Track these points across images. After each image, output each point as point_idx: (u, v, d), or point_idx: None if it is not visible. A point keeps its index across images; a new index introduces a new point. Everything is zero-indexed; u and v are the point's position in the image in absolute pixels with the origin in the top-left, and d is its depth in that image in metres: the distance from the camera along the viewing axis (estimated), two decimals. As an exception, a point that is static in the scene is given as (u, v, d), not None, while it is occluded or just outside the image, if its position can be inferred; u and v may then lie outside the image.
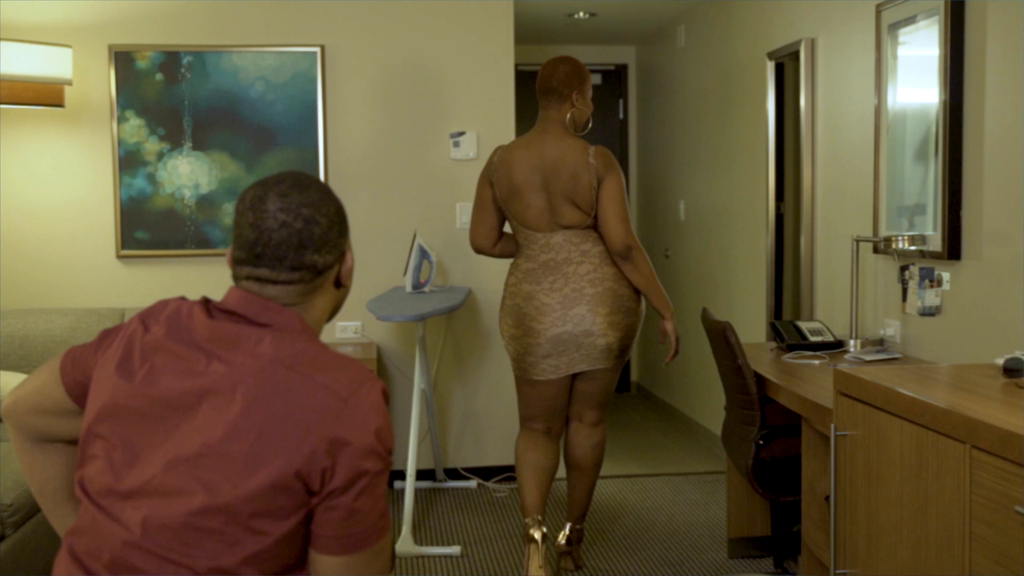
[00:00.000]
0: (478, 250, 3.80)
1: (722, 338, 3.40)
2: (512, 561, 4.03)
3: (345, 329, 4.98)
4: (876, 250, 3.82)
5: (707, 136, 5.84)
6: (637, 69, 7.44)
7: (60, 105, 4.51)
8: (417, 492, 4.84)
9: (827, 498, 2.95)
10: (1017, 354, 2.63)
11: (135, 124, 4.78)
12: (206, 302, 1.63)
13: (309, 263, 1.62)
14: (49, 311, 4.37)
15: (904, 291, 3.65)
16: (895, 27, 3.67)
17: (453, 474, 5.14)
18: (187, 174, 4.82)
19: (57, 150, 4.78)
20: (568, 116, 3.67)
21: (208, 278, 4.87)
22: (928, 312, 3.50)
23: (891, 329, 3.77)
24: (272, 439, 1.49)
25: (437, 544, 4.24)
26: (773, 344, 4.04)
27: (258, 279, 1.61)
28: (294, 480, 1.48)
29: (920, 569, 2.31)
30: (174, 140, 4.81)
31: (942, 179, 3.37)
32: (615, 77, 7.48)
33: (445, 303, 4.33)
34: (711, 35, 5.76)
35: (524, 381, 3.76)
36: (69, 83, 4.47)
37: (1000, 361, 2.63)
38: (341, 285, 1.71)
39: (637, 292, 3.71)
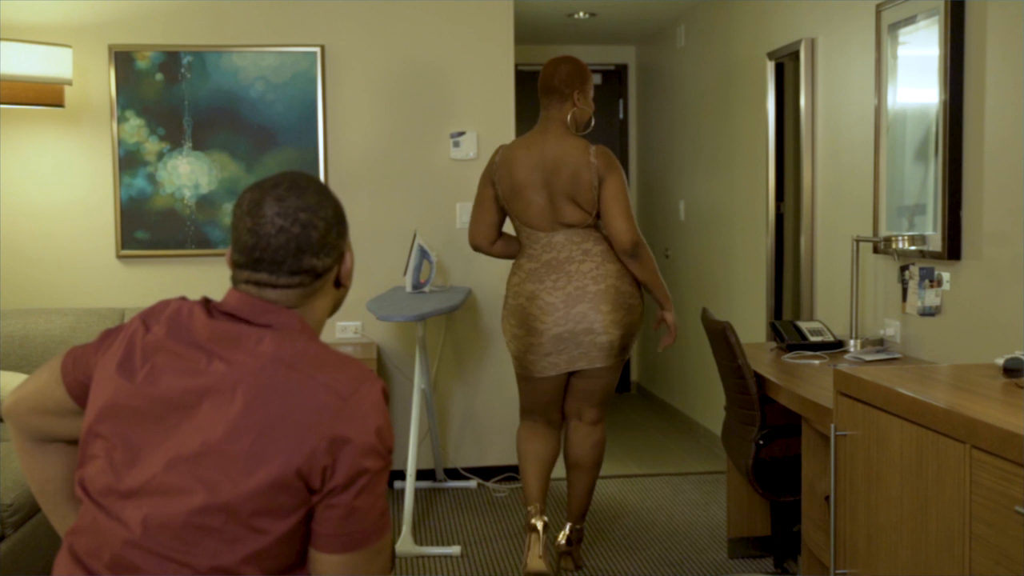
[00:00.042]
0: (476, 248, 3.82)
1: (722, 338, 3.41)
2: (512, 561, 4.03)
3: (345, 329, 4.98)
4: (876, 250, 3.82)
5: (707, 136, 5.84)
6: (637, 69, 7.44)
7: (60, 105, 4.51)
8: (417, 492, 4.84)
9: (827, 498, 2.95)
10: (1017, 354, 2.63)
11: (135, 124, 4.78)
12: (206, 302, 1.63)
13: (308, 267, 1.61)
14: (49, 311, 4.37)
15: (904, 291, 3.65)
16: (895, 27, 3.67)
17: (453, 474, 5.14)
18: (187, 174, 4.82)
19: (57, 150, 4.78)
20: (569, 116, 3.68)
21: (208, 278, 4.87)
22: (928, 312, 3.50)
23: (891, 329, 3.77)
24: (273, 438, 1.49)
25: (437, 544, 4.24)
26: (773, 344, 4.04)
27: (257, 283, 1.61)
28: (295, 478, 1.48)
29: (920, 569, 2.31)
30: (174, 140, 4.81)
31: (942, 179, 3.37)
32: (615, 77, 7.48)
33: (445, 303, 4.33)
34: (711, 35, 5.76)
35: (525, 378, 3.79)
36: (69, 83, 4.47)
37: (1000, 361, 2.63)
38: (341, 285, 1.71)
39: (639, 289, 3.72)
